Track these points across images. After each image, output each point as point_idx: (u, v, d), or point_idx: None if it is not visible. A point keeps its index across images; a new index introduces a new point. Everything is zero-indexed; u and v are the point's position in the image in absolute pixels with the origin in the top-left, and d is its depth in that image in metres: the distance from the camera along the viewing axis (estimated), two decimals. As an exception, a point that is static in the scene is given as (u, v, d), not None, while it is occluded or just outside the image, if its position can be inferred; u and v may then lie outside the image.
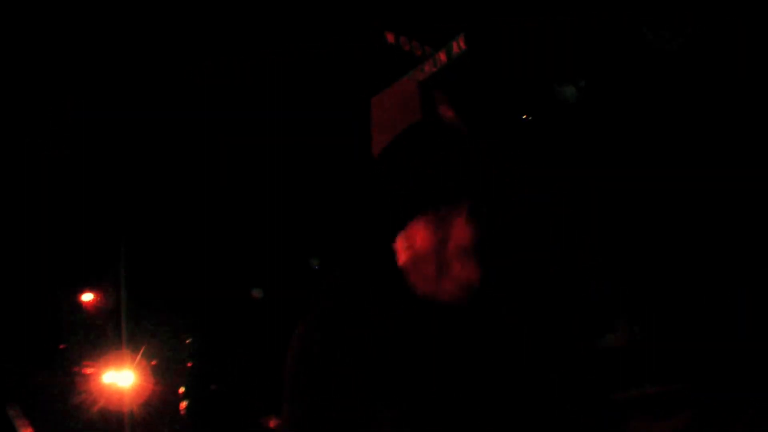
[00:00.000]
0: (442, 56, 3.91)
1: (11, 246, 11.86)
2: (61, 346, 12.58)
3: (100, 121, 10.21)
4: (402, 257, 1.07)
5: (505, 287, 1.12)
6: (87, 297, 12.97)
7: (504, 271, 1.11)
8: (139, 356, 11.66)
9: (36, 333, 12.17)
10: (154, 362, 12.27)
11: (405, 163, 1.06)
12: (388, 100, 3.81)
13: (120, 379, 11.10)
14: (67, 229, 12.24)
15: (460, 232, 1.02)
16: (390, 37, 3.97)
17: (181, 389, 10.89)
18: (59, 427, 10.56)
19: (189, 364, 11.79)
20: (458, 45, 3.86)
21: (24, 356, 12.06)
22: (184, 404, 10.78)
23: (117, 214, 11.98)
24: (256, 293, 13.88)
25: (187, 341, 12.68)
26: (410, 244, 1.05)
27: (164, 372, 11.98)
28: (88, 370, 11.92)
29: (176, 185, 11.76)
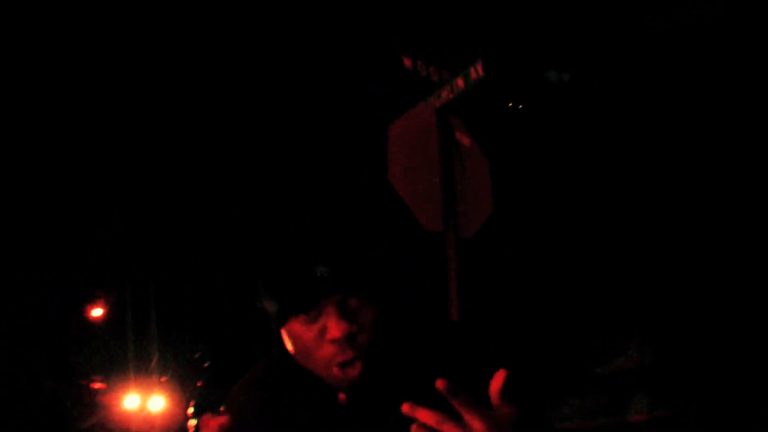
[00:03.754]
0: (460, 82, 3.85)
1: (22, 256, 11.87)
2: (71, 358, 12.57)
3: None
4: (290, 349, 1.24)
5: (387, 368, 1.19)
6: (97, 312, 12.96)
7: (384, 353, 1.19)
8: (155, 376, 11.60)
9: (44, 343, 12.16)
10: (163, 379, 12.18)
11: (273, 275, 1.23)
12: (405, 127, 3.75)
13: (150, 404, 10.99)
14: (81, 241, 12.25)
15: (332, 328, 1.14)
16: (407, 62, 3.92)
17: (190, 409, 10.83)
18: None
19: (199, 384, 11.74)
20: (476, 71, 3.80)
21: (32, 366, 12.03)
22: (192, 424, 10.70)
23: (134, 227, 12.00)
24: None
25: (204, 365, 12.65)
26: (292, 338, 1.22)
27: (179, 392, 11.87)
28: (97, 385, 11.89)
29: (188, 198, 11.77)
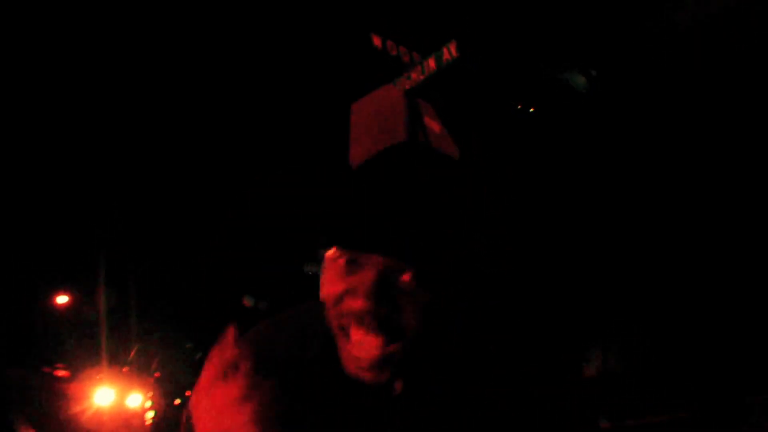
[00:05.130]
0: (432, 63, 3.62)
1: (19, 254, 11.57)
2: (34, 346, 12.23)
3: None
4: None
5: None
6: (62, 299, 12.61)
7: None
8: (134, 369, 11.26)
9: (8, 330, 11.84)
10: (157, 374, 11.83)
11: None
12: (369, 108, 3.51)
13: (129, 400, 10.58)
14: (46, 224, 11.97)
15: (358, 296, 0.83)
16: (376, 41, 3.68)
17: (148, 402, 10.55)
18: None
19: (157, 375, 11.45)
20: (449, 52, 3.57)
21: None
22: (149, 416, 10.44)
23: (102, 208, 11.75)
24: (248, 301, 13.63)
25: (197, 357, 12.38)
26: (322, 279, 0.91)
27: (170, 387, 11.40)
28: (61, 372, 11.58)
29: (187, 197, 11.54)
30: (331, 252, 0.90)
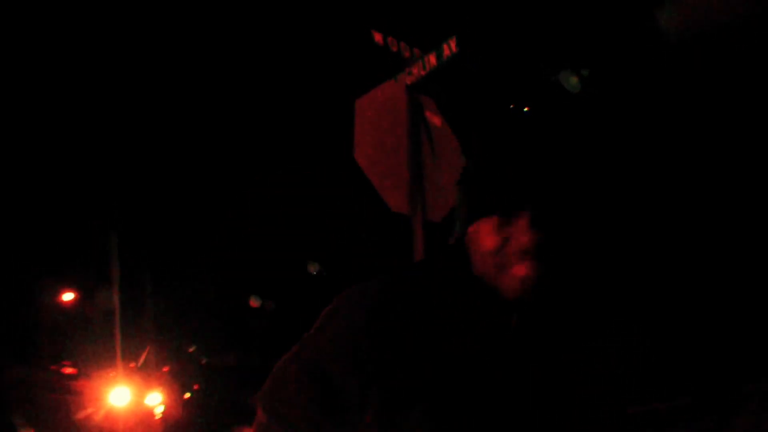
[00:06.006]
0: (432, 59, 3.69)
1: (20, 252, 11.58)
2: (41, 344, 12.28)
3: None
4: (471, 252, 1.18)
5: (562, 287, 1.20)
6: (68, 296, 12.65)
7: (562, 273, 1.18)
8: (148, 369, 11.21)
9: (13, 328, 11.88)
10: (166, 369, 11.86)
11: (478, 166, 1.22)
12: (373, 104, 3.58)
13: (147, 400, 10.45)
14: (53, 220, 12.01)
15: (522, 236, 1.11)
16: (377, 37, 3.74)
17: (158, 396, 10.59)
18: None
19: (165, 369, 11.50)
20: (450, 48, 3.64)
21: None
22: (158, 411, 10.48)
23: (109, 204, 11.77)
24: (254, 301, 13.72)
25: (203, 362, 12.44)
26: (476, 240, 1.16)
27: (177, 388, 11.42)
28: (67, 370, 11.63)
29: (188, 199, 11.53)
30: (480, 222, 1.16)
